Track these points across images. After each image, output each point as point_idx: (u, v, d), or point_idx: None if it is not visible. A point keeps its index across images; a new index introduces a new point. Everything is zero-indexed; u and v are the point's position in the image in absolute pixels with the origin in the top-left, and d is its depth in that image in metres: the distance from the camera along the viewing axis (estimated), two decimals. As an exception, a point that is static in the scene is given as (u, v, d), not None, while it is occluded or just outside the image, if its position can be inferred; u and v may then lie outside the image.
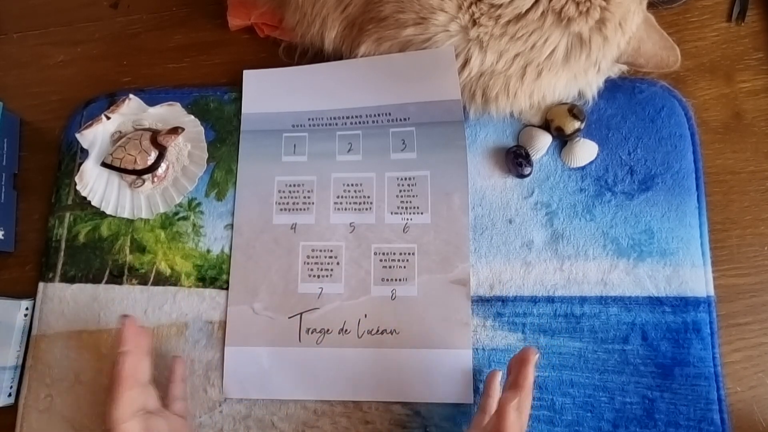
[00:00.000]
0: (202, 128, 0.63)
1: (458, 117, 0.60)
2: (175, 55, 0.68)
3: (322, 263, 0.59)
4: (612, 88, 0.59)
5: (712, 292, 0.55)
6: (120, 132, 0.62)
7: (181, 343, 0.58)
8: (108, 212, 0.61)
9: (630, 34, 0.52)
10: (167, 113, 0.63)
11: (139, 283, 0.60)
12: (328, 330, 0.57)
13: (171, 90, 0.66)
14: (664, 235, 0.57)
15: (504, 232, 0.58)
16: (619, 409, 0.53)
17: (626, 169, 0.59)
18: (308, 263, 0.59)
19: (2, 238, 0.62)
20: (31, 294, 0.61)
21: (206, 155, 0.62)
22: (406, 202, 0.60)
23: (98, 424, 0.57)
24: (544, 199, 0.59)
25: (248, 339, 0.57)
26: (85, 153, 0.62)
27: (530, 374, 0.47)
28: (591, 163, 0.59)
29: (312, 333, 0.57)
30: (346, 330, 0.57)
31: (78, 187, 0.60)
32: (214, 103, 0.65)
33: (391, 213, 0.60)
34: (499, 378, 0.53)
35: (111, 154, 0.61)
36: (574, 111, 0.58)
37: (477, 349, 0.56)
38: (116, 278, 0.61)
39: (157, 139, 0.61)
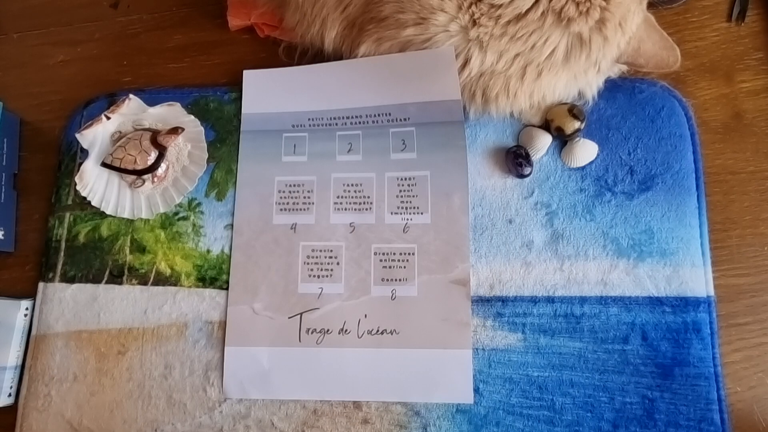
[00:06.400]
0: (202, 128, 0.63)
1: (458, 117, 0.60)
2: (175, 55, 0.68)
3: (322, 263, 0.59)
4: (612, 88, 0.59)
5: (712, 292, 0.55)
6: (120, 132, 0.62)
7: (181, 343, 0.58)
8: (108, 212, 0.61)
9: (630, 34, 0.52)
10: (167, 113, 0.63)
11: (139, 283, 0.60)
12: (328, 330, 0.57)
13: (171, 90, 0.66)
14: (664, 235, 0.57)
15: (504, 232, 0.58)
16: (619, 409, 0.53)
17: (626, 169, 0.59)
18: (308, 263, 0.59)
19: (2, 238, 0.62)
20: (31, 294, 0.61)
21: (206, 155, 0.62)
22: (406, 202, 0.60)
23: (98, 423, 0.57)
24: (544, 199, 0.59)
25: (248, 339, 0.57)
26: (85, 153, 0.62)
27: None
28: (591, 163, 0.59)
29: (312, 333, 0.57)
30: (346, 330, 0.57)
31: (78, 187, 0.60)
32: (214, 103, 0.65)
33: (391, 213, 0.60)
34: None
35: (111, 154, 0.61)
36: (574, 111, 0.58)
37: (477, 349, 0.56)
38: (116, 278, 0.61)
39: (157, 139, 0.61)
